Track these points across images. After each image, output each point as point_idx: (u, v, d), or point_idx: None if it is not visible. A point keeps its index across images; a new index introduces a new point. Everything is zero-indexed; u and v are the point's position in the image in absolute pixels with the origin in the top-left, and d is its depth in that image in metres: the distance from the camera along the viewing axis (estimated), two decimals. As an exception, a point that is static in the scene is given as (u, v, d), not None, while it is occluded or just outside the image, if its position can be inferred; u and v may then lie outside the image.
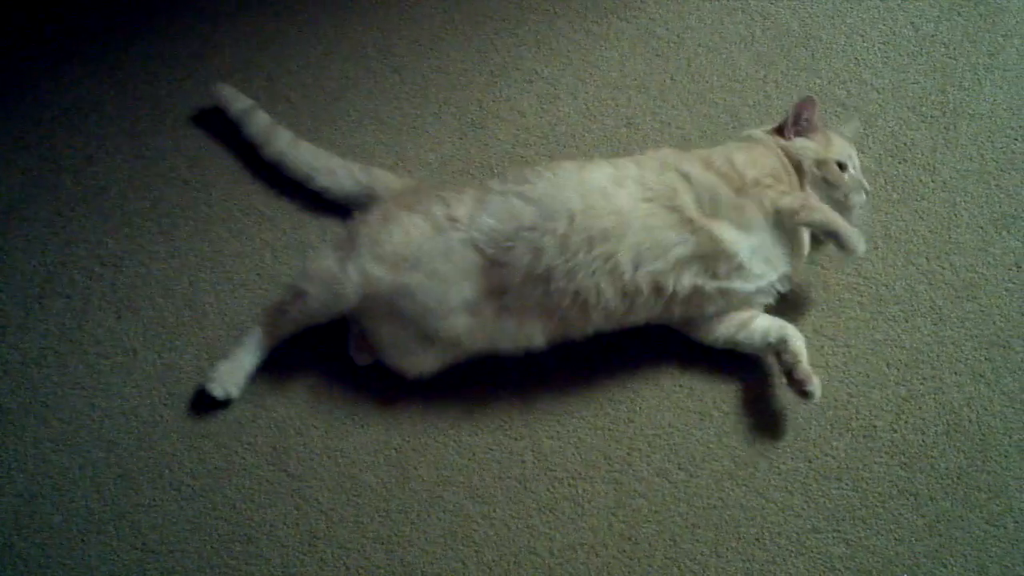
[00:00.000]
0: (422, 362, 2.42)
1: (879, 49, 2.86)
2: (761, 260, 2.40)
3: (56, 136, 2.78)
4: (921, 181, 2.70)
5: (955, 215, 2.65)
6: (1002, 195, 2.67)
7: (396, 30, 2.90)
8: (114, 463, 2.45)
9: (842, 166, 2.50)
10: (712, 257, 2.35)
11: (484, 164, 2.74)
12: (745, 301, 2.44)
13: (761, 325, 2.45)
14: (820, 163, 2.49)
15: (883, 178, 2.68)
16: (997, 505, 2.37)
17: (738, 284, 2.38)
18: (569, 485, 2.41)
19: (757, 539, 2.35)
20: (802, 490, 2.39)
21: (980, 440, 2.42)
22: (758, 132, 2.59)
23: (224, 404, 2.46)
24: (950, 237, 2.63)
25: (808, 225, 2.41)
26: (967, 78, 2.82)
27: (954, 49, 2.86)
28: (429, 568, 2.35)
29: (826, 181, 2.50)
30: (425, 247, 2.36)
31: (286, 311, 2.44)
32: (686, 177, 2.40)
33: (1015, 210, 2.65)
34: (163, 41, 2.89)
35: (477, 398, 2.48)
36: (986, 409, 2.45)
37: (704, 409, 2.47)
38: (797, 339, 2.42)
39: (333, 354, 2.53)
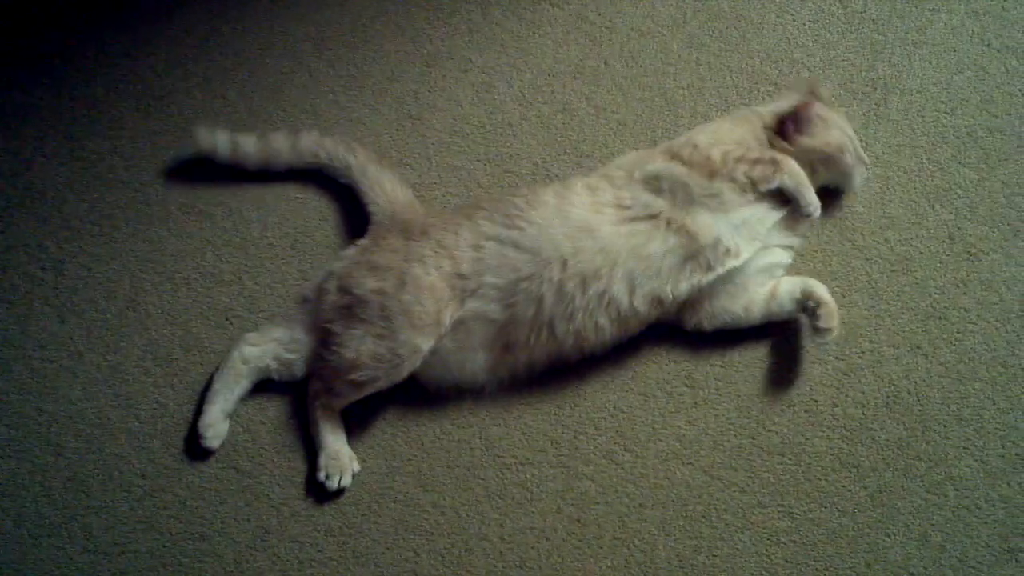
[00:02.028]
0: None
1: (809, 27, 2.88)
2: (746, 235, 2.42)
3: (-8, 142, 2.78)
4: (854, 157, 2.73)
5: (888, 190, 2.68)
6: (934, 168, 2.71)
7: (329, 23, 2.89)
8: (63, 466, 2.46)
9: (843, 150, 2.55)
10: (698, 252, 2.38)
11: (422, 155, 2.74)
12: (750, 277, 2.49)
13: (785, 289, 2.49)
14: (826, 161, 2.54)
15: (817, 156, 2.71)
16: (937, 474, 2.42)
17: (732, 263, 2.40)
18: (517, 471, 2.44)
19: (704, 516, 2.39)
20: (746, 466, 2.43)
21: (919, 411, 2.47)
22: (745, 110, 2.66)
23: (345, 487, 2.43)
24: (884, 212, 2.66)
25: (780, 188, 2.44)
26: (896, 53, 2.85)
27: (883, 25, 2.89)
28: (382, 558, 2.38)
29: (832, 168, 2.56)
30: (452, 314, 2.41)
31: (343, 395, 2.42)
32: (654, 177, 2.45)
33: (947, 183, 2.68)
34: (96, 43, 2.87)
35: (423, 388, 2.49)
36: (924, 380, 2.50)
37: (648, 390, 2.50)
38: (815, 285, 2.47)
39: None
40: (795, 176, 2.44)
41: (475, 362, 2.42)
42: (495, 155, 2.74)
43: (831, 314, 2.42)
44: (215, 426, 2.45)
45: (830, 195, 2.62)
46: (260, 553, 2.38)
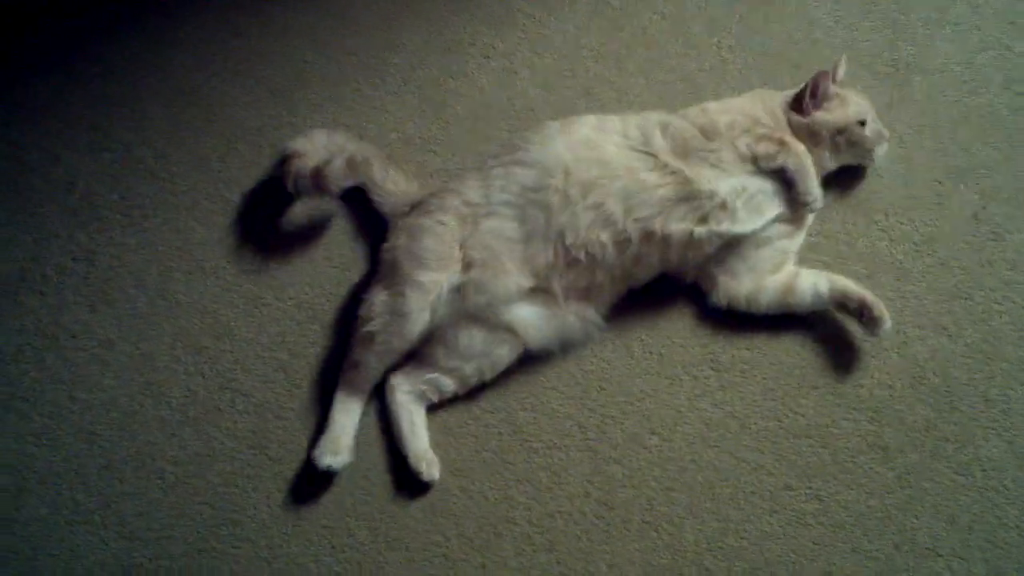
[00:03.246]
0: (495, 364, 2.48)
1: (830, 8, 2.88)
2: (747, 203, 2.44)
3: (22, 136, 2.79)
4: (877, 138, 2.73)
5: (912, 171, 2.68)
6: (956, 148, 2.70)
7: (351, 12, 2.91)
8: (97, 454, 2.49)
9: (862, 123, 2.56)
10: (693, 198, 2.40)
11: (445, 141, 2.76)
12: (756, 254, 2.50)
13: (806, 282, 2.49)
14: (840, 131, 2.54)
15: (840, 137, 2.71)
16: (964, 455, 2.42)
17: (726, 227, 2.42)
18: (545, 455, 2.46)
19: (731, 499, 2.40)
20: (773, 449, 2.44)
21: (945, 392, 2.47)
22: (762, 90, 2.67)
23: (331, 475, 2.44)
24: (908, 193, 2.66)
25: (779, 168, 2.44)
26: (919, 33, 2.84)
27: (905, 4, 2.88)
28: (412, 542, 2.40)
29: (851, 144, 2.56)
30: (468, 242, 2.43)
31: (360, 362, 2.44)
32: (660, 124, 2.48)
33: (969, 163, 2.68)
34: (120, 36, 2.89)
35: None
36: (950, 361, 2.50)
37: (673, 374, 2.51)
38: (849, 282, 2.48)
39: (307, 339, 2.58)
40: (799, 160, 2.45)
41: (513, 285, 2.42)
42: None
43: (878, 307, 2.43)
44: (426, 458, 2.43)
45: (853, 174, 2.64)
46: (293, 539, 2.41)
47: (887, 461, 2.42)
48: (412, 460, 2.42)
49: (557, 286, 2.43)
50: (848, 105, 2.57)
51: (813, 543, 2.36)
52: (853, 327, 2.51)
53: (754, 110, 2.54)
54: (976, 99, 2.76)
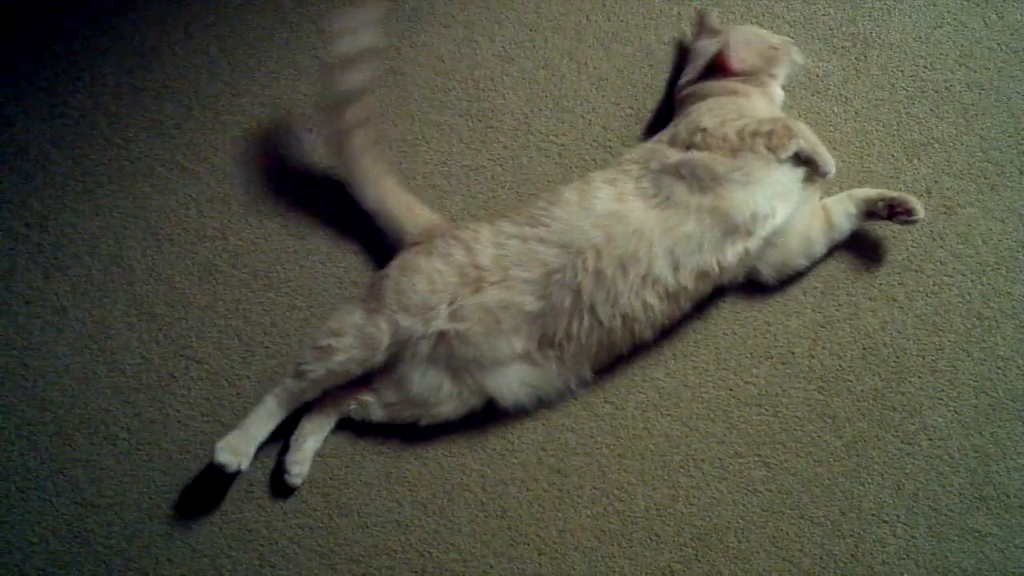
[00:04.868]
0: (446, 412, 2.44)
1: (790, -18, 2.90)
2: (779, 199, 2.41)
3: (-27, 99, 2.79)
4: (834, 112, 2.74)
5: (867, 144, 2.70)
6: (912, 123, 2.72)
7: (311, -21, 2.91)
8: (49, 421, 2.48)
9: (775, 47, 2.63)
10: (734, 224, 2.36)
11: (404, 112, 2.75)
12: (797, 225, 2.51)
13: (838, 211, 2.55)
14: (768, 60, 2.61)
15: (796, 111, 2.71)
16: (912, 424, 2.45)
17: (772, 224, 2.41)
18: (499, 422, 2.47)
19: (682, 466, 2.43)
20: (723, 417, 2.46)
21: (895, 362, 2.50)
22: (704, 86, 2.63)
23: (232, 476, 2.40)
24: (863, 166, 2.68)
25: (796, 153, 2.42)
26: (876, 8, 2.85)
27: (863, -21, 2.91)
28: (364, 508, 2.41)
29: (779, 63, 2.63)
30: (465, 301, 2.37)
31: (308, 373, 2.38)
32: (675, 167, 2.42)
33: (925, 137, 2.70)
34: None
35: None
36: (900, 332, 2.53)
37: (628, 343, 2.52)
38: (866, 190, 2.57)
39: (262, 306, 2.58)
40: (809, 139, 2.43)
41: (507, 348, 2.38)
42: (477, 111, 2.76)
43: (905, 200, 2.50)
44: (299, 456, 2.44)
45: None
46: (246, 504, 2.41)
47: (835, 430, 2.44)
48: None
49: (568, 351, 2.39)
50: (752, 44, 2.63)
51: (761, 509, 2.39)
52: (806, 296, 2.54)
53: (737, 105, 2.53)
54: (932, 74, 2.78)
